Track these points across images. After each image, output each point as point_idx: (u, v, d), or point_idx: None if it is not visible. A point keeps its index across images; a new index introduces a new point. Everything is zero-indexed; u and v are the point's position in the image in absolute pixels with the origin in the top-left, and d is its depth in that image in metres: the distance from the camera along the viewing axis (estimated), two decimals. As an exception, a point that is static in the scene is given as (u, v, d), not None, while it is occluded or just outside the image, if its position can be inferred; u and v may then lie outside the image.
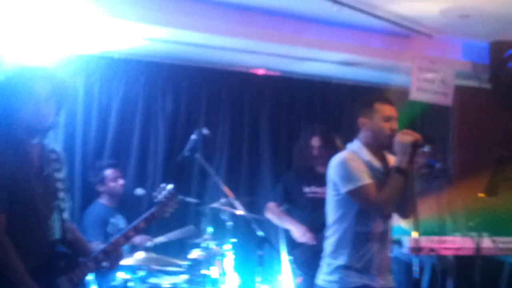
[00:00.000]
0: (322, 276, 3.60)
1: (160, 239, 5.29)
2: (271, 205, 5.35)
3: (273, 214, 5.29)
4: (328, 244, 3.62)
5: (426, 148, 3.47)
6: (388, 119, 3.56)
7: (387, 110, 3.58)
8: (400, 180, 3.43)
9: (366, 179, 3.45)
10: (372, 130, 3.58)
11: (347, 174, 3.48)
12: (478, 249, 4.72)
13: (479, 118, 6.50)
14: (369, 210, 3.48)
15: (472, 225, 4.98)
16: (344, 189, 3.49)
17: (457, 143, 6.54)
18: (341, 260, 3.51)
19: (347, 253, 3.50)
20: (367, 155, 3.56)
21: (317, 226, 4.85)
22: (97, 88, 5.71)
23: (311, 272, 4.83)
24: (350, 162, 3.50)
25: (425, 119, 6.45)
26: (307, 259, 4.94)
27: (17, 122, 3.02)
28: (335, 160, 3.60)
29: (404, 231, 5.09)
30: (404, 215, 3.71)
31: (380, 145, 3.59)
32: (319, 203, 4.14)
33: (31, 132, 3.07)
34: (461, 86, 6.28)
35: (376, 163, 3.57)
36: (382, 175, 3.56)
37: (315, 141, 5.27)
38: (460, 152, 6.52)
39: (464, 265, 5.10)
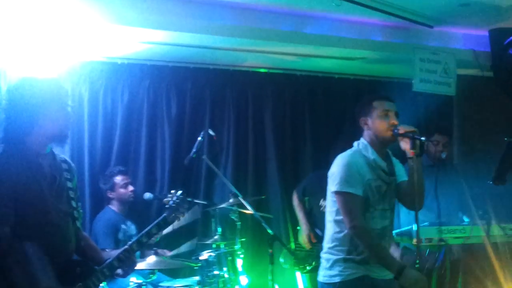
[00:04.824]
0: (323, 272, 3.67)
1: (167, 229, 5.31)
2: (295, 197, 5.70)
3: (295, 204, 5.66)
4: (327, 240, 3.69)
5: (423, 139, 3.52)
6: (386, 114, 3.64)
7: (385, 105, 3.67)
8: (412, 167, 3.53)
9: (356, 189, 3.52)
10: (372, 127, 3.66)
11: (342, 176, 3.55)
12: (487, 236, 4.75)
13: (482, 106, 6.51)
14: (344, 220, 3.54)
15: (480, 213, 5.01)
16: (332, 188, 3.59)
17: (460, 132, 6.55)
18: (340, 254, 3.58)
19: (345, 249, 3.57)
20: (372, 153, 3.63)
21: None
22: (102, 94, 5.74)
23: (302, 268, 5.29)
24: (351, 166, 3.56)
25: (428, 109, 6.46)
26: (305, 257, 5.13)
27: (40, 132, 3.08)
28: (339, 159, 3.67)
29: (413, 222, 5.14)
30: (411, 206, 3.77)
31: (382, 141, 3.66)
32: None
33: (58, 141, 3.17)
34: (463, 75, 6.29)
35: (381, 162, 3.65)
36: (386, 174, 3.65)
37: None
38: (463, 141, 6.53)
39: (473, 253, 5.13)
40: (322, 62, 6.22)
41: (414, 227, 4.15)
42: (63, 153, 3.43)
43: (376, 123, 3.64)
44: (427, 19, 5.66)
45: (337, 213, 3.60)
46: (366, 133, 3.70)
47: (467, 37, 6.21)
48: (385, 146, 3.70)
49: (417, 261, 3.59)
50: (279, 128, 6.43)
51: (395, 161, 3.82)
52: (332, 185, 3.61)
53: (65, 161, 3.31)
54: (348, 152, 3.71)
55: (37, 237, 3.00)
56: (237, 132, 6.26)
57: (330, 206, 3.68)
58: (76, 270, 3.12)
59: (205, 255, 4.94)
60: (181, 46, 5.50)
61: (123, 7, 4.83)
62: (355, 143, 3.75)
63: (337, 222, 3.61)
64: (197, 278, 4.94)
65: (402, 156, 3.74)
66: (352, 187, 3.52)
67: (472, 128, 6.54)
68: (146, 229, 3.36)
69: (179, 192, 3.49)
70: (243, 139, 6.28)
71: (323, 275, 3.66)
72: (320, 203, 5.40)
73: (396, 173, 3.76)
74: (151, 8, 4.97)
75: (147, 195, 5.41)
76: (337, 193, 3.57)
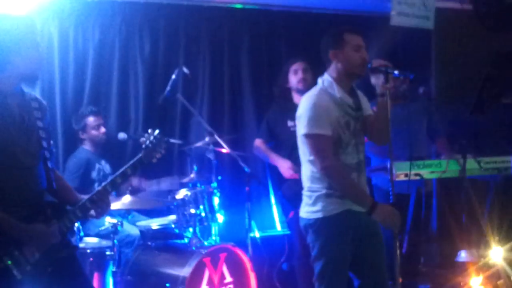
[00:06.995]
0: (305, 208, 3.65)
1: (152, 187, 5.32)
2: (258, 141, 5.39)
3: (259, 151, 5.34)
4: (306, 179, 3.67)
5: (396, 73, 3.52)
6: (358, 48, 3.59)
7: (357, 40, 3.61)
8: (383, 102, 3.55)
9: (325, 129, 3.48)
10: (343, 61, 3.59)
11: (310, 117, 3.51)
12: (463, 170, 4.77)
13: (460, 39, 6.45)
14: (314, 161, 3.52)
15: (456, 148, 5.02)
16: (302, 130, 3.56)
17: (438, 66, 6.50)
18: (321, 190, 3.56)
19: (326, 185, 3.55)
20: (338, 91, 3.58)
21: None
22: (72, 33, 5.59)
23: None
24: (318, 106, 3.52)
25: (405, 43, 6.39)
26: (296, 193, 4.99)
27: (13, 71, 2.99)
28: (306, 99, 3.62)
29: (378, 159, 5.15)
30: (379, 141, 3.77)
31: (352, 76, 3.62)
32: None
33: (29, 80, 3.10)
34: (443, 8, 6.18)
35: (347, 99, 3.60)
36: (353, 110, 3.62)
37: (297, 66, 5.22)
38: (442, 75, 6.49)
39: (449, 187, 5.17)
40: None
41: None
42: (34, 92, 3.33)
43: (349, 56, 3.57)
44: (405, -51, 5.53)
45: (311, 153, 3.58)
46: (334, 66, 3.62)
47: (446, -31, 6.09)
48: (352, 80, 3.66)
49: (391, 197, 3.60)
50: (255, 65, 6.31)
51: (360, 94, 3.76)
52: (301, 128, 3.57)
53: (35, 99, 3.21)
54: (313, 91, 3.65)
55: (4, 180, 2.95)
56: (213, 70, 6.15)
57: (303, 147, 3.64)
58: (47, 212, 3.08)
59: (181, 194, 4.91)
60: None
61: None
62: (319, 80, 3.69)
63: (312, 161, 3.58)
64: (173, 217, 4.93)
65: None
66: (321, 127, 3.48)
67: (450, 61, 6.49)
68: (121, 170, 3.29)
69: (156, 132, 3.43)
70: (218, 76, 6.18)
71: (305, 211, 3.64)
72: (288, 125, 5.24)
73: (362, 107, 3.72)
74: None
75: (122, 135, 5.33)
76: (306, 135, 3.54)
